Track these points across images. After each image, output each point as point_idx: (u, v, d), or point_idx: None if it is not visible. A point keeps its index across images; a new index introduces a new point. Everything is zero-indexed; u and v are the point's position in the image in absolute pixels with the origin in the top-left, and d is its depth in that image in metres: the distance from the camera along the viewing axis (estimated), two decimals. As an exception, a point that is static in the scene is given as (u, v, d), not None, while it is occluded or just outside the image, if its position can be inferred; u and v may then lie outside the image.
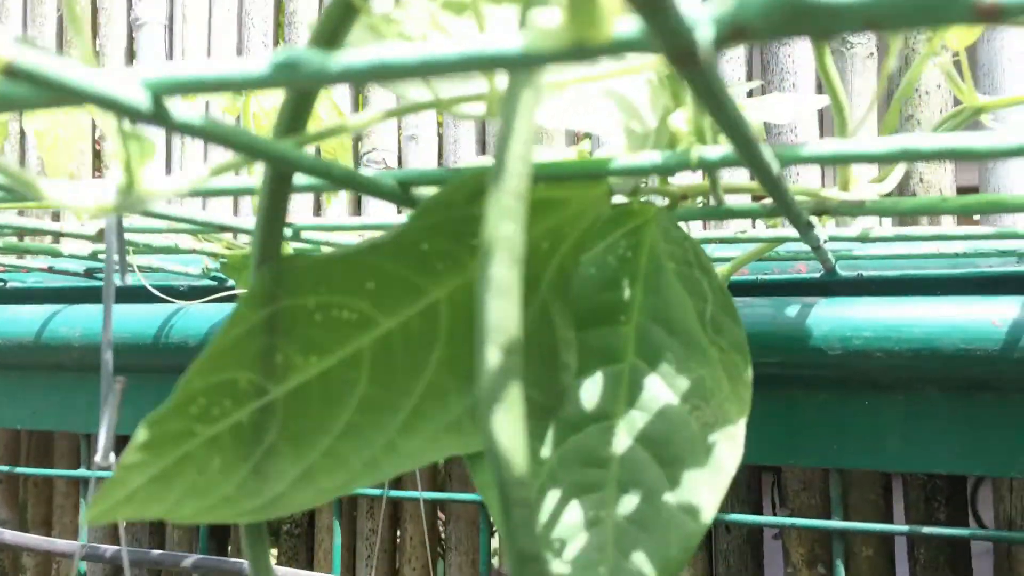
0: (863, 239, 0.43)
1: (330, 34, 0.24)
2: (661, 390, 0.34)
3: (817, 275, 0.60)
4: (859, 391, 0.56)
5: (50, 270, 0.72)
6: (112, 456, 0.34)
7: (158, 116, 0.19)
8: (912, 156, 0.23)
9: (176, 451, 0.26)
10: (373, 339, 0.29)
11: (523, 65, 0.16)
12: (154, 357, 0.72)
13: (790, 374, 0.57)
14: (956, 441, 0.54)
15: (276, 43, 1.06)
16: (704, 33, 0.15)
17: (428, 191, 0.31)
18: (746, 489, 0.76)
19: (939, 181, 0.71)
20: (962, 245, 0.53)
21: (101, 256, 0.61)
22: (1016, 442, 0.52)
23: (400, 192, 0.30)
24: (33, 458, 0.98)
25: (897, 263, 0.58)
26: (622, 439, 0.33)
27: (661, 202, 0.35)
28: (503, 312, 0.19)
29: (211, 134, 0.21)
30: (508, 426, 0.20)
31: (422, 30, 0.26)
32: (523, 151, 0.20)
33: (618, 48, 0.15)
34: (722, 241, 0.47)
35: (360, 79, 0.18)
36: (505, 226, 0.19)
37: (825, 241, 0.44)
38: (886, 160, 0.24)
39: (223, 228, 0.39)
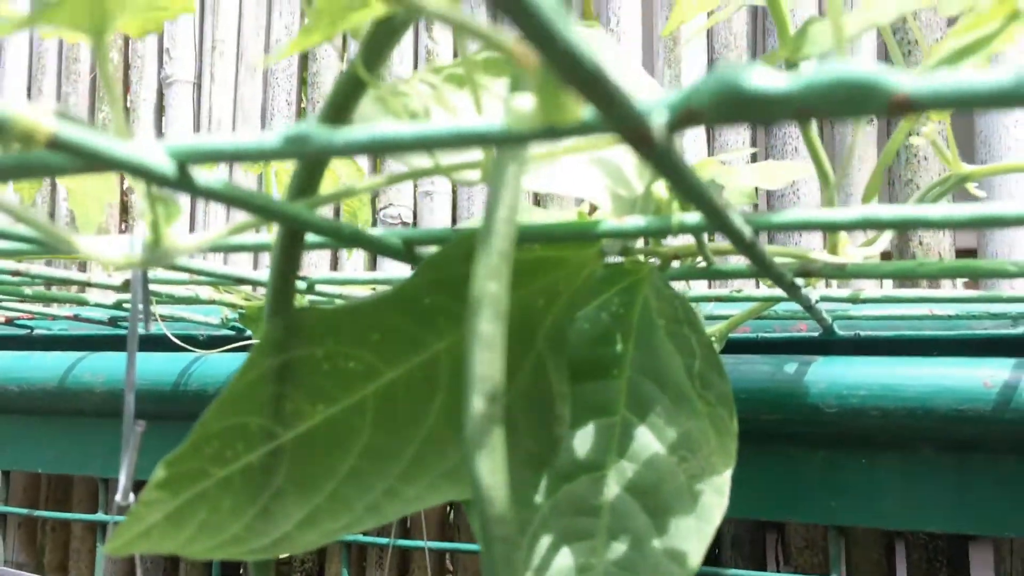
0: (853, 300, 0.45)
1: (340, 105, 0.27)
2: (651, 442, 0.36)
3: (816, 334, 0.62)
4: (856, 449, 0.57)
5: (76, 318, 0.75)
6: (132, 496, 0.36)
7: (182, 182, 0.21)
8: (872, 224, 0.25)
9: (191, 490, 0.28)
10: (377, 388, 0.31)
11: (504, 143, 0.18)
12: (173, 404, 0.74)
13: (788, 431, 0.58)
14: (951, 500, 0.55)
15: (300, 101, 1.10)
16: (658, 117, 0.17)
17: (432, 249, 0.33)
18: (750, 546, 0.76)
19: (938, 244, 0.73)
20: (954, 308, 0.54)
21: (126, 305, 0.63)
22: (1009, 501, 0.53)
23: (405, 250, 0.32)
24: (52, 502, 1.00)
25: (894, 323, 0.60)
26: (612, 488, 0.35)
27: (653, 261, 0.37)
28: (488, 363, 0.21)
29: (230, 198, 0.23)
30: (491, 468, 0.22)
31: (425, 102, 0.29)
32: (508, 216, 0.22)
33: (583, 130, 0.17)
34: (719, 299, 0.49)
35: (362, 152, 0.20)
36: (491, 285, 0.22)
37: (817, 301, 0.46)
38: (849, 228, 0.26)
39: (241, 280, 0.42)
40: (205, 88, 1.08)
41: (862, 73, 0.16)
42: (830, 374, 0.56)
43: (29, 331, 0.86)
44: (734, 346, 0.63)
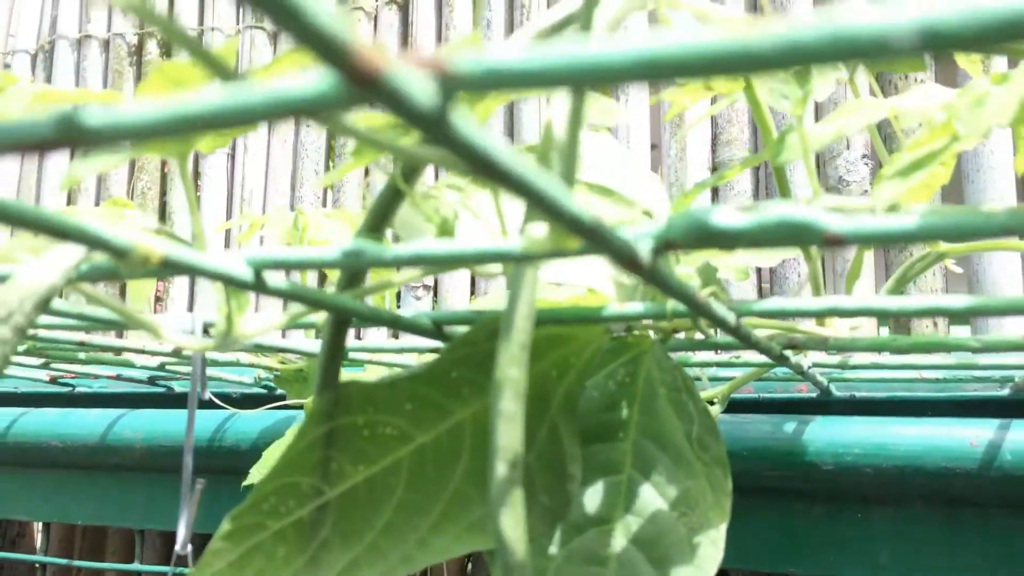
0: (842, 366, 0.49)
1: (382, 214, 0.31)
2: (654, 498, 0.40)
3: (815, 395, 0.66)
4: (852, 504, 0.61)
5: (118, 377, 0.80)
6: (189, 546, 0.40)
7: (258, 284, 0.26)
8: (836, 313, 0.30)
9: (250, 541, 0.32)
10: (410, 451, 0.35)
11: (521, 260, 0.23)
12: (208, 459, 0.79)
13: (788, 487, 0.62)
14: (942, 552, 0.58)
15: (327, 170, 1.16)
16: (644, 246, 0.21)
17: (458, 328, 0.38)
18: (758, 597, 0.80)
19: (932, 308, 0.77)
20: (940, 371, 0.58)
21: (168, 367, 0.68)
22: (997, 554, 0.57)
23: (435, 330, 0.36)
24: (86, 552, 1.04)
25: (888, 385, 0.64)
26: (619, 540, 0.39)
27: (655, 335, 0.42)
28: (509, 435, 0.26)
29: (293, 295, 0.28)
30: (512, 523, 0.26)
31: (452, 206, 0.33)
32: (526, 312, 0.26)
33: (585, 253, 0.22)
34: (719, 365, 0.53)
35: (404, 264, 0.24)
36: (512, 370, 0.26)
37: (810, 368, 0.50)
38: (817, 315, 0.30)
39: (280, 350, 0.46)
40: (239, 159, 1.14)
41: (799, 217, 0.20)
42: (827, 433, 0.60)
43: (71, 389, 0.91)
44: (738, 406, 0.67)
